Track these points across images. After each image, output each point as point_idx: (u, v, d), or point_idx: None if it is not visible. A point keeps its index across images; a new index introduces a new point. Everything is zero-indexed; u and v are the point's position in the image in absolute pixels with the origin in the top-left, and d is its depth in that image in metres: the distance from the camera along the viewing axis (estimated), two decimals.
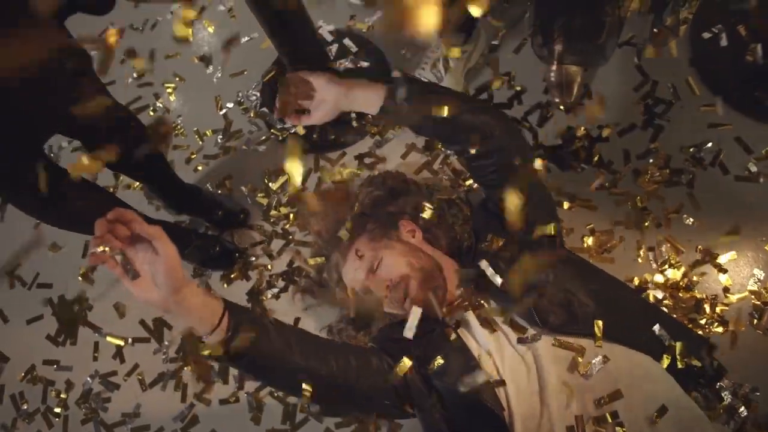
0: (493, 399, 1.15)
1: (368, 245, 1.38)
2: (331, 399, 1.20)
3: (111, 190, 1.97)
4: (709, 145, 1.64)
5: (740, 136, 1.62)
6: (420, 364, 1.23)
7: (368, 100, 1.23)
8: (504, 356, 1.20)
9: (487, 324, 1.23)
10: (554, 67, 1.71)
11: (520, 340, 1.20)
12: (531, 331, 1.20)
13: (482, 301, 1.27)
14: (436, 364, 1.22)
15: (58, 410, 1.74)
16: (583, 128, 1.70)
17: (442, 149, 1.80)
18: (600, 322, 1.17)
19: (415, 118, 1.23)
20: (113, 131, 1.40)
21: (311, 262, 1.64)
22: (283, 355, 1.07)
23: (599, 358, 1.15)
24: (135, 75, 2.19)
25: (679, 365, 1.21)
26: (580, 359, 1.15)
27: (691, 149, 1.64)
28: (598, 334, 1.16)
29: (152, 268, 0.95)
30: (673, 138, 1.67)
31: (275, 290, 1.76)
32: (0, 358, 1.85)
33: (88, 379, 1.76)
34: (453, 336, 1.23)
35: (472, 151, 1.23)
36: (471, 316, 1.26)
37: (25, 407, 1.77)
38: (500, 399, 1.15)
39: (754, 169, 1.58)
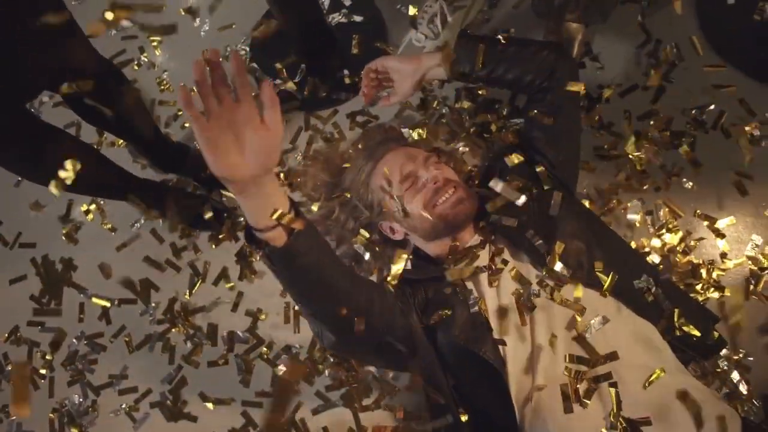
0: (494, 355, 1.15)
1: (426, 153, 1.39)
2: (350, 329, 1.09)
3: (95, 146, 1.90)
4: (712, 107, 1.59)
5: (743, 98, 1.58)
6: (425, 314, 1.24)
7: (438, 68, 1.36)
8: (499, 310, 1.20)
9: (493, 274, 1.22)
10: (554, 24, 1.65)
11: (524, 294, 1.18)
12: (534, 287, 1.19)
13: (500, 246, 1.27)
14: (442, 316, 1.21)
15: (43, 371, 1.71)
16: (583, 88, 1.65)
17: (437, 108, 1.75)
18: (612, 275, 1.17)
19: (483, 74, 1.33)
20: (100, 87, 1.33)
21: (314, 208, 1.58)
22: (331, 269, 1.02)
23: (598, 317, 1.13)
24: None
25: (677, 333, 1.20)
26: (579, 318, 1.14)
27: (693, 111, 1.60)
28: (606, 284, 1.17)
29: (254, 138, 0.82)
30: (676, 99, 1.63)
31: None
32: None
33: (74, 340, 1.73)
34: (460, 287, 1.22)
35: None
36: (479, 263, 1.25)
37: (9, 368, 1.73)
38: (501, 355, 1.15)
39: (756, 132, 1.54)
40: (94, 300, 1.71)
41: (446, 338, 1.21)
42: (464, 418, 1.22)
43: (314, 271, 0.99)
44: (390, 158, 1.37)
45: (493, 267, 1.23)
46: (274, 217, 0.88)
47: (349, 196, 1.43)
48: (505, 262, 1.23)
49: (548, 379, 1.12)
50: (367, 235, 1.40)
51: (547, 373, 1.12)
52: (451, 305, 1.22)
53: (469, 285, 1.25)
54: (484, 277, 1.24)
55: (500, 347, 1.16)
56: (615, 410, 1.05)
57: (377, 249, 1.42)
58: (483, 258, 1.27)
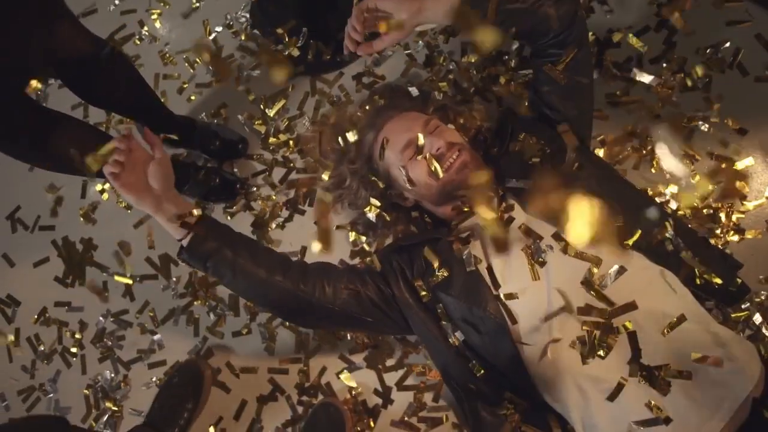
0: (496, 311, 1.17)
1: (428, 116, 1.37)
2: (294, 314, 1.34)
3: (103, 125, 1.90)
4: (727, 45, 1.54)
5: (761, 33, 1.52)
6: (425, 278, 1.26)
7: (439, 11, 1.22)
8: (512, 267, 1.19)
9: (501, 237, 1.22)
10: None
11: (534, 249, 1.18)
12: (546, 241, 1.18)
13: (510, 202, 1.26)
14: (440, 276, 1.22)
15: (74, 350, 1.76)
16: (591, 33, 1.60)
17: (444, 64, 1.72)
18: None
19: (491, 18, 1.21)
20: (97, 68, 1.32)
21: (325, 177, 1.57)
22: (242, 261, 1.24)
23: (615, 267, 1.12)
24: (117, 1, 2.07)
25: (698, 282, 1.19)
26: (595, 270, 1.13)
27: (708, 50, 1.54)
28: (628, 240, 1.16)
29: (151, 169, 1.21)
30: (689, 39, 1.57)
31: (280, 220, 1.73)
32: (11, 302, 1.85)
33: (101, 318, 1.77)
34: (457, 246, 1.23)
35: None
36: (484, 221, 1.24)
37: (42, 348, 1.78)
38: (510, 310, 1.16)
39: None
40: (116, 278, 1.74)
41: (447, 298, 1.23)
42: (480, 372, 1.24)
43: (226, 265, 1.24)
44: (390, 128, 1.35)
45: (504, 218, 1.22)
46: (176, 223, 1.21)
47: (356, 166, 1.42)
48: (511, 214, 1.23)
49: (565, 333, 1.12)
50: (378, 204, 1.39)
51: (564, 327, 1.12)
52: (449, 265, 1.23)
53: (477, 243, 1.25)
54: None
55: (507, 303, 1.17)
56: (634, 359, 1.05)
57: (388, 218, 1.41)
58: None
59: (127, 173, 1.18)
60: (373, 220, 1.41)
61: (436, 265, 1.24)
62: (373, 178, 1.40)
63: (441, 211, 1.35)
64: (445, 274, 1.24)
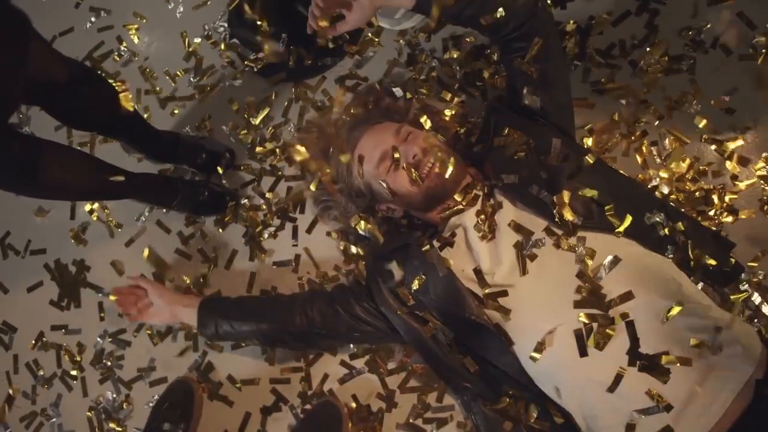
0: (477, 312, 1.18)
1: (399, 124, 1.36)
2: (303, 345, 1.53)
3: (87, 145, 1.88)
4: (709, 25, 1.53)
5: (742, 11, 1.51)
6: (403, 281, 1.29)
7: None
8: (498, 264, 1.19)
9: (487, 230, 1.22)
10: None
11: (524, 244, 1.17)
12: (537, 235, 1.17)
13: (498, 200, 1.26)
14: (418, 283, 1.25)
15: (74, 372, 1.74)
16: (572, 22, 1.59)
17: (426, 62, 1.70)
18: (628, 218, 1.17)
19: (450, 3, 1.23)
20: (74, 90, 1.30)
21: (313, 187, 1.56)
22: (245, 325, 1.45)
23: (609, 258, 1.12)
24: (93, 19, 2.05)
25: (692, 264, 1.19)
26: (589, 261, 1.13)
27: (690, 32, 1.53)
28: (618, 225, 1.17)
29: (154, 300, 1.55)
30: (671, 22, 1.56)
31: (272, 229, 1.71)
32: (8, 329, 1.84)
33: (99, 339, 1.75)
34: (427, 247, 1.25)
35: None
36: (469, 221, 1.25)
37: (42, 373, 1.77)
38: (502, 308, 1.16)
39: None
40: (112, 297, 1.72)
41: (429, 302, 1.25)
42: (473, 368, 1.25)
43: (229, 336, 1.49)
44: (362, 145, 1.35)
45: (486, 218, 1.22)
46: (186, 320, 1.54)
47: (340, 185, 1.42)
48: (493, 207, 1.24)
49: (561, 326, 1.12)
50: (364, 224, 1.39)
51: (560, 320, 1.12)
52: (425, 270, 1.25)
53: (462, 242, 1.25)
54: (475, 234, 1.24)
55: (498, 300, 1.18)
56: (632, 348, 1.05)
57: (379, 230, 1.41)
58: (473, 217, 1.26)
59: (144, 313, 1.56)
60: (367, 235, 1.41)
61: (398, 278, 1.30)
62: (358, 197, 1.40)
63: (430, 216, 1.35)
64: (423, 278, 1.25)
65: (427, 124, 1.39)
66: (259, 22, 1.65)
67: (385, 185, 1.30)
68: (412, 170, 1.25)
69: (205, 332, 1.49)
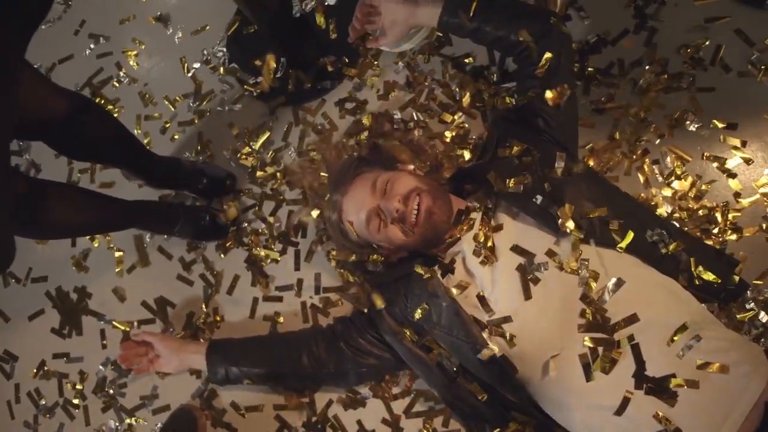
0: (479, 340, 1.17)
1: (373, 175, 1.34)
2: (310, 385, 1.54)
3: (87, 172, 1.89)
4: (707, 42, 1.53)
5: (740, 27, 1.51)
6: (404, 311, 1.28)
7: (431, 13, 1.32)
8: (500, 288, 1.18)
9: (487, 254, 1.21)
10: None
11: (527, 267, 1.17)
12: (538, 258, 1.16)
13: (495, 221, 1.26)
14: (421, 313, 1.24)
15: (76, 401, 1.73)
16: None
17: (426, 84, 1.70)
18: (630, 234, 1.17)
19: (473, 25, 1.30)
20: (75, 122, 1.29)
21: (314, 215, 1.58)
22: (254, 367, 1.48)
23: (613, 280, 1.11)
24: (92, 45, 2.06)
25: (696, 282, 1.19)
26: (593, 284, 1.12)
27: (689, 49, 1.54)
28: (621, 242, 1.16)
29: (160, 352, 1.58)
30: (669, 39, 1.56)
31: (274, 254, 1.70)
32: (9, 358, 1.83)
33: (101, 367, 1.74)
34: (427, 275, 1.24)
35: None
36: (467, 247, 1.24)
37: (44, 402, 1.76)
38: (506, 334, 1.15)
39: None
40: (114, 324, 1.72)
41: (432, 330, 1.24)
42: (481, 396, 1.24)
43: (237, 378, 1.49)
44: (346, 209, 1.35)
45: (484, 240, 1.22)
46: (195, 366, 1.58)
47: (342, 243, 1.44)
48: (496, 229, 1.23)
49: (566, 350, 1.11)
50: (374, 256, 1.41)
51: (565, 344, 1.11)
52: (427, 299, 1.24)
53: (461, 268, 1.24)
54: (474, 259, 1.23)
55: (502, 326, 1.17)
56: (638, 371, 1.04)
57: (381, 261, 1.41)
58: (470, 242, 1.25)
59: (155, 363, 1.59)
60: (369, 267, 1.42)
61: (400, 308, 1.29)
62: (357, 249, 1.42)
63: (434, 252, 1.33)
64: (426, 307, 1.24)
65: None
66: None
67: (384, 242, 1.31)
68: (400, 225, 1.25)
69: (216, 379, 1.50)
